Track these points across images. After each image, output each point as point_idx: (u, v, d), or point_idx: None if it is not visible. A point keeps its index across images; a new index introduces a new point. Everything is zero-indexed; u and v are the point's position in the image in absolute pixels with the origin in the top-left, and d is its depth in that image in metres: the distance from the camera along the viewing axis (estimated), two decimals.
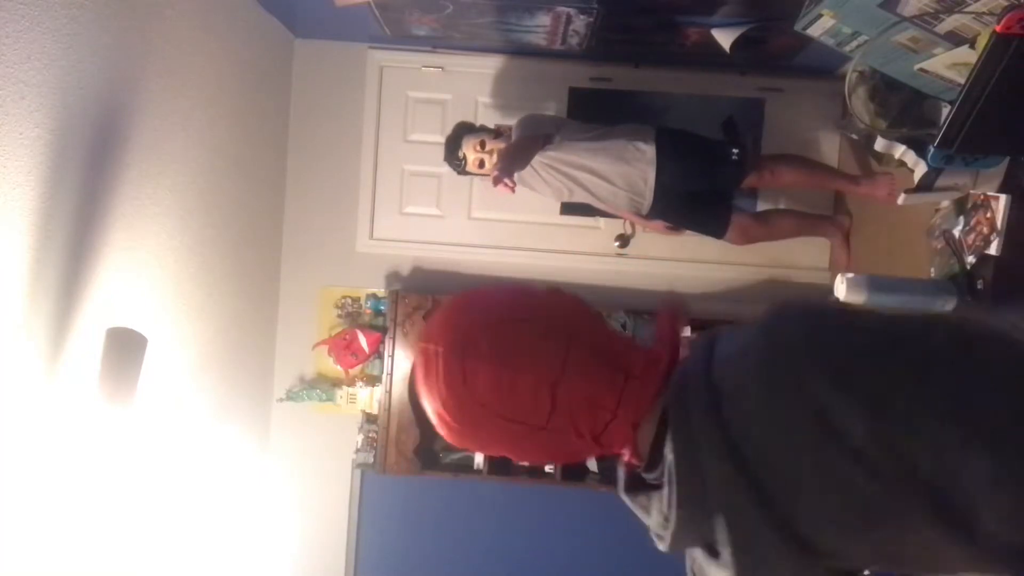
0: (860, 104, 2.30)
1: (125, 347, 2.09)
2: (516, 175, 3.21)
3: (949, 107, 1.65)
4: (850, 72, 2.22)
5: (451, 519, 3.80)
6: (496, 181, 2.85)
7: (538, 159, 3.06)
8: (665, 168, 3.05)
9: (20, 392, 1.83)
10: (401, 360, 3.57)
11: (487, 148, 3.12)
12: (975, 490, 0.67)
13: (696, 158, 3.12)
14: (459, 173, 3.25)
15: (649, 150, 3.06)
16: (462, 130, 3.20)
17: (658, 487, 0.85)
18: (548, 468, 3.57)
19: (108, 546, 2.22)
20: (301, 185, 3.80)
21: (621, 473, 0.92)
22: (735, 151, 3.09)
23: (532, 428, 0.87)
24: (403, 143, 3.80)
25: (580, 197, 3.21)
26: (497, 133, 3.17)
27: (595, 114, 3.41)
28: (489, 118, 3.68)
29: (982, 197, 2.01)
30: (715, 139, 3.18)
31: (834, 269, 3.61)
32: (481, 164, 3.14)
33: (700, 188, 3.17)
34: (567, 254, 3.79)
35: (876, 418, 0.69)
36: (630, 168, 3.06)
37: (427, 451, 3.69)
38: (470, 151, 3.13)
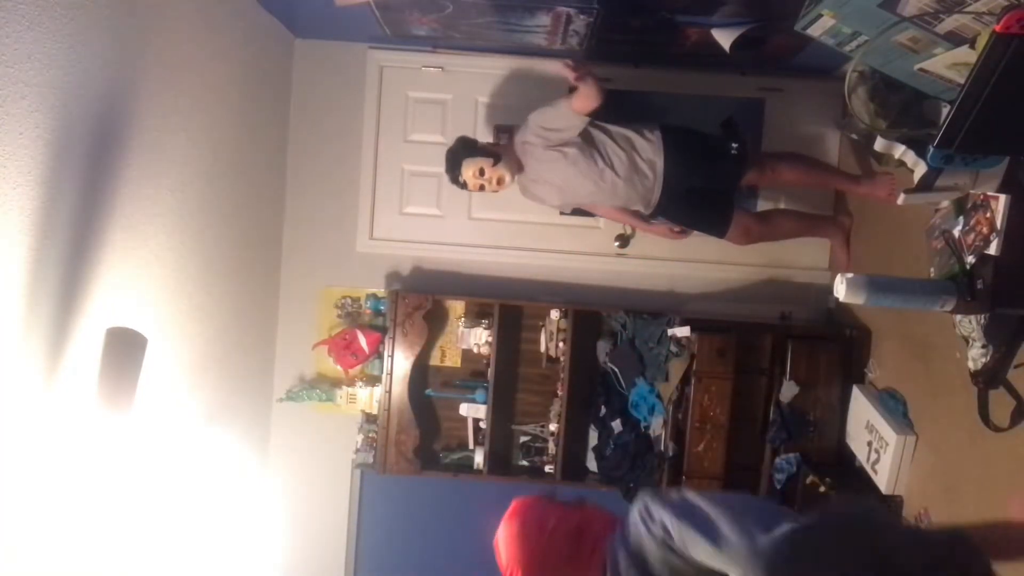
0: (860, 104, 2.30)
1: (125, 347, 2.09)
2: (519, 185, 3.31)
3: (949, 107, 1.65)
4: (850, 72, 2.22)
5: (451, 519, 3.80)
6: (582, 74, 2.98)
7: (544, 153, 3.10)
8: (670, 159, 3.11)
9: (20, 392, 1.83)
10: (401, 360, 3.57)
11: (486, 176, 3.14)
12: None
13: (697, 152, 3.16)
14: (461, 188, 3.29)
15: (656, 139, 3.13)
16: (461, 151, 3.20)
17: None
18: (548, 468, 3.58)
19: (108, 545, 2.22)
20: (301, 185, 3.80)
21: None
22: (734, 145, 3.11)
23: None
24: (403, 143, 3.80)
25: (584, 195, 3.24)
26: (496, 158, 3.16)
27: (595, 114, 3.41)
28: (489, 118, 3.69)
29: (982, 197, 2.01)
30: (715, 135, 3.20)
31: (834, 269, 3.61)
32: (481, 189, 3.20)
33: (702, 184, 3.18)
34: (567, 254, 3.79)
35: None
36: (638, 157, 3.12)
37: (427, 451, 3.69)
38: (469, 178, 3.17)
